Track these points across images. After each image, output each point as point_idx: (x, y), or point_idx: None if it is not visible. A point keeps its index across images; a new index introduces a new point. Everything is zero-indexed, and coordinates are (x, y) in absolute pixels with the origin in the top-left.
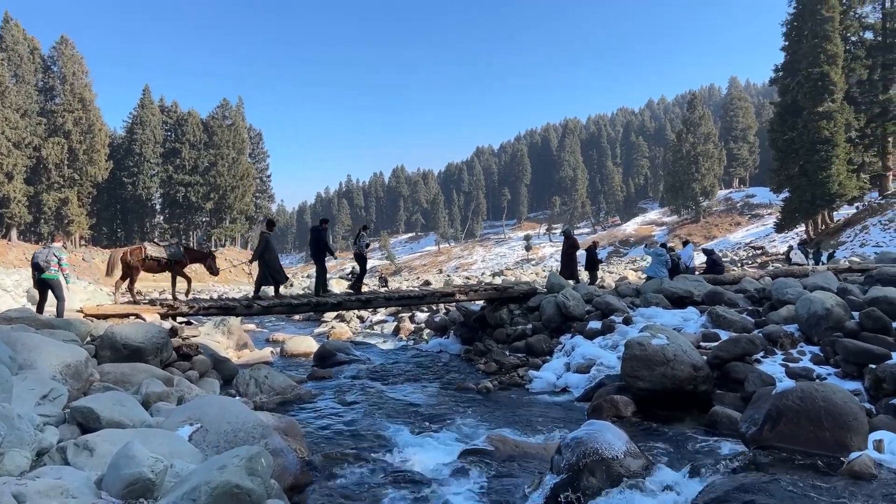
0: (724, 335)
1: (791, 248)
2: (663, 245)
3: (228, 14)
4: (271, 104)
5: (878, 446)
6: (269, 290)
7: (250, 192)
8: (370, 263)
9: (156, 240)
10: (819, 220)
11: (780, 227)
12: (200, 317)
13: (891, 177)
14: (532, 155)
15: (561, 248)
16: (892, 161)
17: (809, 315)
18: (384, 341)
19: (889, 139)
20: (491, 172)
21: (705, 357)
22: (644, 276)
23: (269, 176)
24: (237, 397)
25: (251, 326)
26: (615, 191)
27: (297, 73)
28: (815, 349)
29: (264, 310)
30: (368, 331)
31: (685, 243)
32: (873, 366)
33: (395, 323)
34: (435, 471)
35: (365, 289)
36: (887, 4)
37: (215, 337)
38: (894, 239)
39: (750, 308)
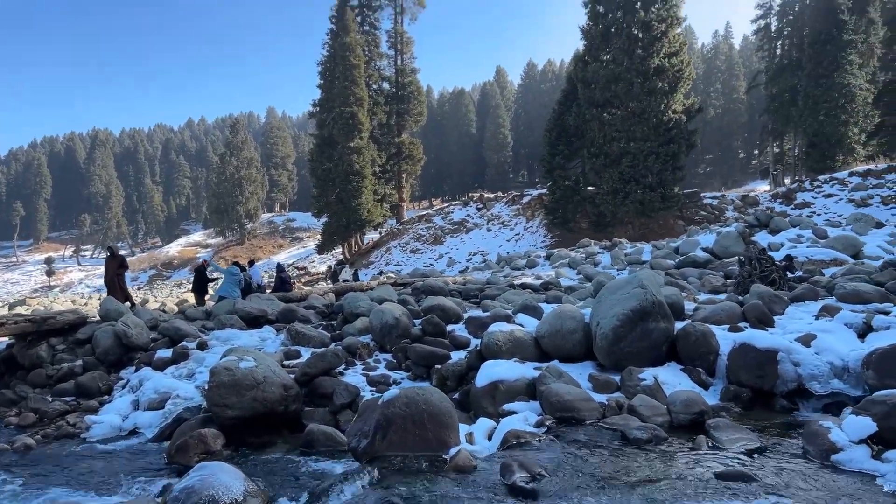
0: (304, 351)
1: (331, 267)
2: (236, 264)
3: None
4: None
5: (470, 439)
6: None
7: None
8: None
9: None
10: (353, 243)
11: (321, 249)
12: None
13: (405, 206)
14: (54, 166)
15: (105, 267)
16: (406, 193)
17: (382, 325)
18: None
19: (403, 175)
20: None
21: (293, 375)
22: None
23: None
24: None
25: None
26: (156, 210)
27: None
28: (388, 356)
29: None
30: None
31: (251, 262)
32: (438, 366)
33: None
34: None
35: None
36: (398, 62)
37: None
38: (410, 258)
39: (324, 323)
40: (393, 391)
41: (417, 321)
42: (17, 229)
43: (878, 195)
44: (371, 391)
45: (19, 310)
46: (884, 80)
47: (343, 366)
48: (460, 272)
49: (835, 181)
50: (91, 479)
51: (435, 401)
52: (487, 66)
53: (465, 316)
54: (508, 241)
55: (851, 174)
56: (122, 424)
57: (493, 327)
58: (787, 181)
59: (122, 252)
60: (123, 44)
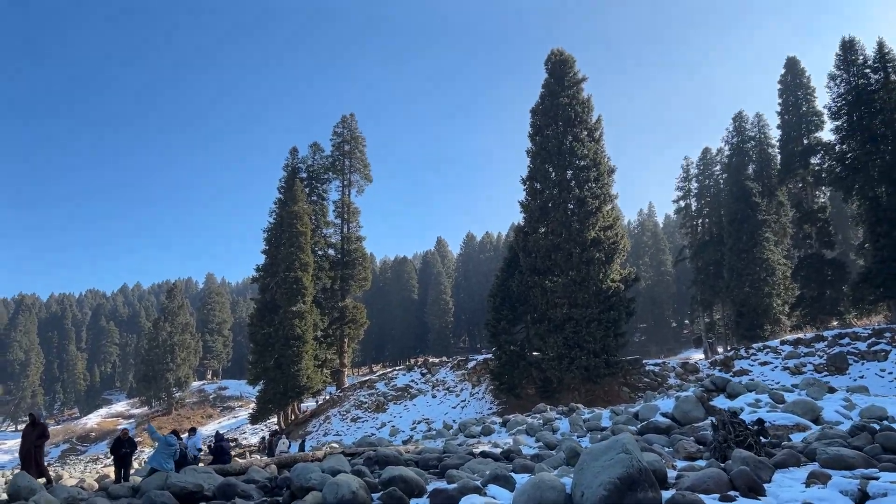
0: None
1: (265, 438)
2: (174, 432)
3: None
4: None
5: None
6: None
7: None
8: None
9: None
10: (290, 411)
11: (255, 419)
12: None
13: (346, 373)
14: None
15: (23, 437)
16: (348, 358)
17: (338, 500)
18: None
19: (345, 340)
20: None
21: None
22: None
23: None
24: None
25: None
26: (77, 379)
27: None
28: None
29: None
30: None
31: (192, 430)
32: None
33: None
34: None
35: None
36: (345, 230)
37: None
38: (351, 427)
39: (267, 499)
40: None
41: (376, 495)
42: None
43: (810, 363)
44: None
45: None
46: (798, 255)
47: None
48: (404, 442)
49: (768, 349)
50: None
51: None
52: (428, 236)
53: (429, 488)
54: (454, 407)
55: (783, 342)
56: None
57: (465, 501)
58: (720, 349)
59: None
60: (60, 208)
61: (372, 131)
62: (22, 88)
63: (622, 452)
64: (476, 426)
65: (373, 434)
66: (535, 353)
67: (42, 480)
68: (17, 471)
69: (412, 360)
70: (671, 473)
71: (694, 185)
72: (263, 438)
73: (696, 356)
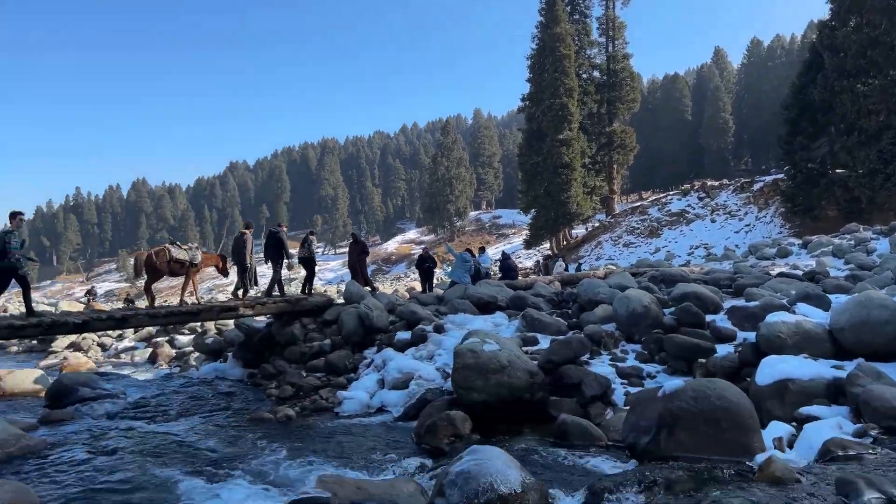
0: (541, 338)
1: (538, 262)
2: (468, 250)
3: None
4: None
5: (779, 444)
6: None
7: None
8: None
9: (178, 242)
10: (561, 237)
11: (529, 244)
12: None
13: (616, 199)
14: (291, 172)
15: (348, 254)
16: (617, 185)
17: (629, 313)
18: (138, 371)
19: (614, 166)
20: (247, 189)
21: (535, 361)
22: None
23: None
24: None
25: None
26: (375, 211)
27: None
28: (637, 347)
29: None
30: (115, 360)
31: (482, 249)
32: (702, 360)
33: (150, 349)
34: None
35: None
36: (610, 48)
37: None
38: (623, 253)
39: (556, 311)
40: (676, 382)
41: (667, 310)
42: (263, 230)
43: None
44: (622, 383)
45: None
46: None
47: (587, 355)
48: (682, 266)
49: None
50: (347, 453)
51: (731, 396)
52: (701, 49)
53: (726, 306)
54: (737, 232)
55: None
56: (369, 402)
57: (773, 317)
58: None
59: (346, 249)
60: (353, 62)
61: None
62: None
63: None
64: (770, 248)
65: (647, 258)
66: (838, 171)
67: (368, 288)
68: (346, 281)
69: (687, 185)
70: None
71: None
72: (538, 262)
73: None
